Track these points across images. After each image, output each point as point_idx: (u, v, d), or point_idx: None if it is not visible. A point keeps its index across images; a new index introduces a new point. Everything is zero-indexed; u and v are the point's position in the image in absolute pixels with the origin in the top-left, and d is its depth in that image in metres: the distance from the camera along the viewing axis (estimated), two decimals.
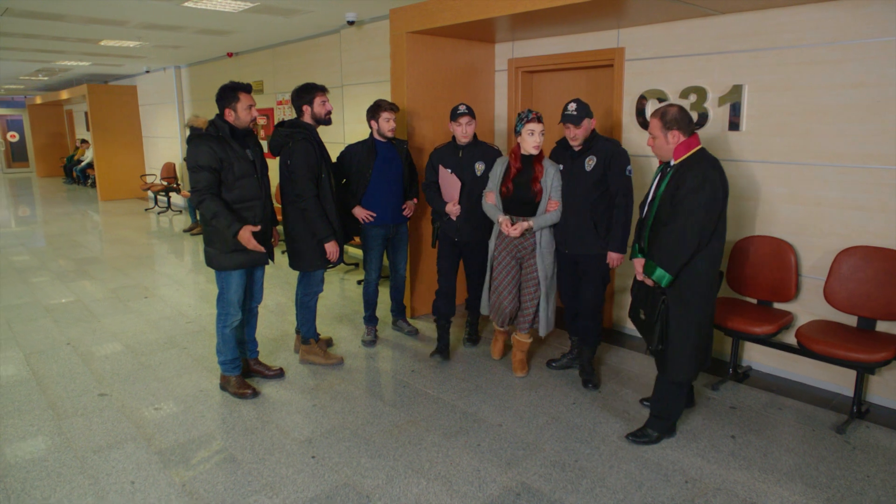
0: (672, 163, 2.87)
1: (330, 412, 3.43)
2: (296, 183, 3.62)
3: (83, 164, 15.52)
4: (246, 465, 2.90)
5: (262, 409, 3.46)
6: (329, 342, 4.42)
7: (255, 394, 3.60)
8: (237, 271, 3.44)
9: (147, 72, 11.88)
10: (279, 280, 6.28)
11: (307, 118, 3.76)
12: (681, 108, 2.85)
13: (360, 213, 4.16)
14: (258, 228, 3.30)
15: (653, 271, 2.83)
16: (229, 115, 3.32)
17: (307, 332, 4.06)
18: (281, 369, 3.88)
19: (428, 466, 2.88)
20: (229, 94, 3.30)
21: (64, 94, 14.56)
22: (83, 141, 15.97)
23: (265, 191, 3.49)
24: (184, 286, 6.06)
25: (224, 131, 3.30)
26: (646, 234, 2.96)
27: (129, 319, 5.02)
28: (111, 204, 12.36)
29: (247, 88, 3.35)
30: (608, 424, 3.27)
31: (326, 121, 3.80)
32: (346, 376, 3.90)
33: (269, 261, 3.61)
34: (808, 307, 3.66)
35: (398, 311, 4.70)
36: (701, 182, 2.70)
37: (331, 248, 3.71)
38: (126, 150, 12.84)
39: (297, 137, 3.64)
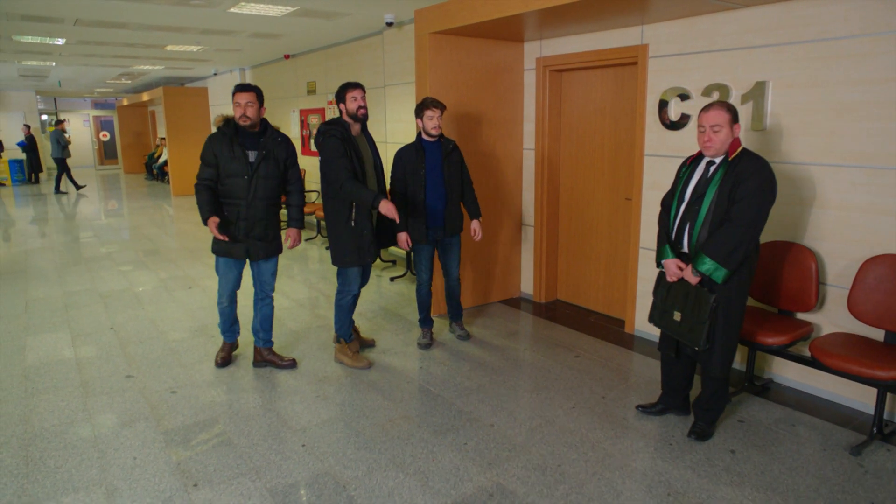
0: (720, 159, 2.86)
1: (331, 403, 3.53)
2: (327, 176, 3.72)
3: (160, 161, 16.57)
4: (240, 448, 3.04)
5: (269, 396, 3.62)
6: (371, 344, 4.42)
7: (226, 363, 4.05)
8: (221, 258, 3.82)
9: (215, 74, 12.55)
10: (318, 275, 6.49)
11: (345, 116, 3.83)
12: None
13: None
14: (217, 221, 3.57)
15: (703, 264, 2.81)
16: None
17: (339, 331, 4.10)
18: (293, 360, 4.03)
19: (410, 461, 2.92)
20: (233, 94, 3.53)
21: (145, 96, 15.61)
22: (162, 139, 17.05)
23: (256, 192, 3.63)
24: None
25: (230, 130, 3.51)
26: (695, 232, 2.89)
27: (170, 307, 5.35)
28: (182, 199, 13.14)
29: (242, 87, 3.55)
30: (602, 431, 3.20)
31: (358, 117, 3.78)
32: (355, 370, 4.00)
33: (247, 258, 3.81)
34: (833, 318, 3.43)
35: (454, 314, 4.60)
36: (764, 180, 2.75)
37: (384, 206, 3.48)
38: (197, 149, 13.47)
39: (328, 134, 3.73)
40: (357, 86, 3.82)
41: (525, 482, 2.75)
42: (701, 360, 3.02)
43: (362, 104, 3.81)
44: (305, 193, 3.65)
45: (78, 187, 14.91)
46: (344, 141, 3.70)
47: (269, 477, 2.80)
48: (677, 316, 3.00)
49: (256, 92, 3.59)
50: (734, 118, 2.81)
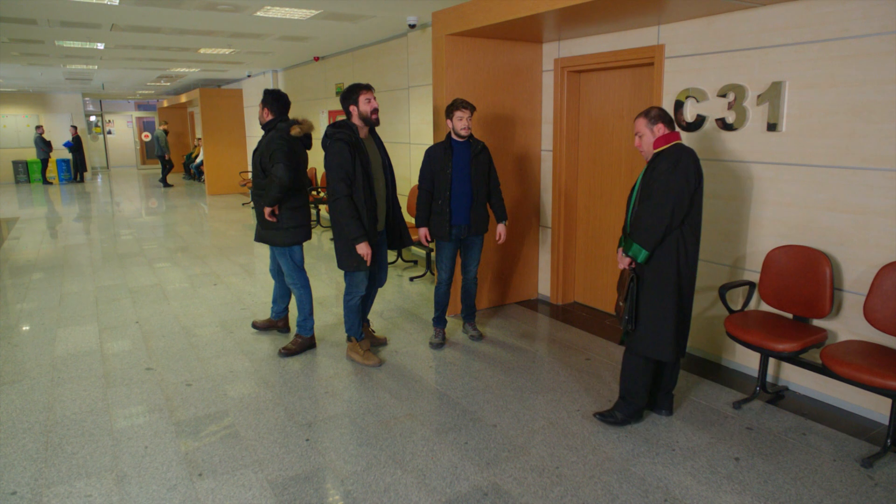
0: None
1: (338, 400, 3.60)
2: (329, 183, 3.81)
3: (197, 160, 17.03)
4: (246, 441, 3.13)
5: (278, 391, 3.70)
6: (384, 342, 4.49)
7: (256, 327, 4.76)
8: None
9: (249, 76, 12.84)
10: (339, 273, 6.59)
11: (355, 118, 3.84)
12: (662, 108, 3.11)
13: (422, 232, 4.23)
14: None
15: (630, 247, 3.04)
16: None
17: (349, 331, 4.16)
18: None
19: (409, 459, 2.96)
20: None
21: (183, 98, 16.08)
22: (199, 139, 17.52)
23: (255, 180, 4.21)
24: (251, 276, 6.54)
25: None
26: (627, 220, 3.17)
27: (194, 303, 5.52)
28: (216, 198, 13.49)
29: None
30: (605, 434, 3.17)
31: (372, 120, 3.83)
32: (366, 367, 4.06)
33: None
34: (850, 326, 3.33)
35: (468, 314, 4.61)
36: (674, 163, 2.94)
37: (362, 249, 3.74)
38: (232, 149, 13.96)
39: (335, 138, 3.76)
40: (370, 87, 3.84)
41: (521, 483, 2.75)
42: (626, 341, 3.22)
43: (377, 106, 3.84)
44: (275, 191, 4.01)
45: (164, 184, 16.26)
46: (351, 145, 3.70)
47: (271, 469, 2.87)
48: (620, 301, 3.18)
49: (263, 95, 4.18)
50: (651, 121, 3.04)
